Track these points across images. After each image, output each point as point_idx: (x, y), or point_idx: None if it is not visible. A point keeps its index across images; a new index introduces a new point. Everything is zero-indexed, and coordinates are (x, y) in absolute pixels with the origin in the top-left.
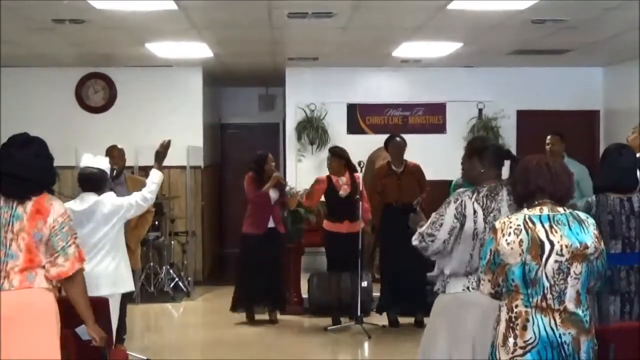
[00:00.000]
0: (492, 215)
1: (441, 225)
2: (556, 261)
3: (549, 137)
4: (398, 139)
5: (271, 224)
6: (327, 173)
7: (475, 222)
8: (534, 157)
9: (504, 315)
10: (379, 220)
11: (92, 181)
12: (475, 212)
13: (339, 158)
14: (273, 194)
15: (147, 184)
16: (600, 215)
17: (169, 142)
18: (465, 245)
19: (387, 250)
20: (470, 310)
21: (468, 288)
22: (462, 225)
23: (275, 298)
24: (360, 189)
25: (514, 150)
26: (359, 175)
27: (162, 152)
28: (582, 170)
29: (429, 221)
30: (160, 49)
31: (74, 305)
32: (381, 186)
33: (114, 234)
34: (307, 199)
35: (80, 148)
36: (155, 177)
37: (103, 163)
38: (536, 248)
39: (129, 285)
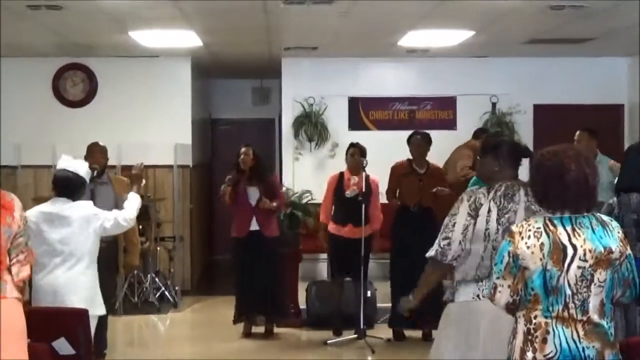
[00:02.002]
0: (506, 216)
1: (454, 225)
2: (579, 267)
3: (577, 133)
4: (419, 136)
5: (255, 227)
6: (329, 175)
7: (487, 221)
8: (550, 158)
9: (521, 327)
10: (392, 224)
11: (65, 185)
12: (489, 210)
13: (360, 154)
14: (252, 194)
15: (125, 206)
16: (624, 216)
17: (142, 165)
18: (476, 247)
19: (399, 257)
20: (481, 320)
21: (478, 296)
22: (475, 223)
23: (269, 307)
24: (372, 193)
25: (530, 148)
26: (375, 178)
27: (138, 174)
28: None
29: (443, 225)
30: (145, 37)
31: None
32: (397, 186)
33: (91, 245)
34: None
35: (58, 145)
36: (134, 200)
37: (81, 167)
38: (558, 252)
39: (103, 309)
